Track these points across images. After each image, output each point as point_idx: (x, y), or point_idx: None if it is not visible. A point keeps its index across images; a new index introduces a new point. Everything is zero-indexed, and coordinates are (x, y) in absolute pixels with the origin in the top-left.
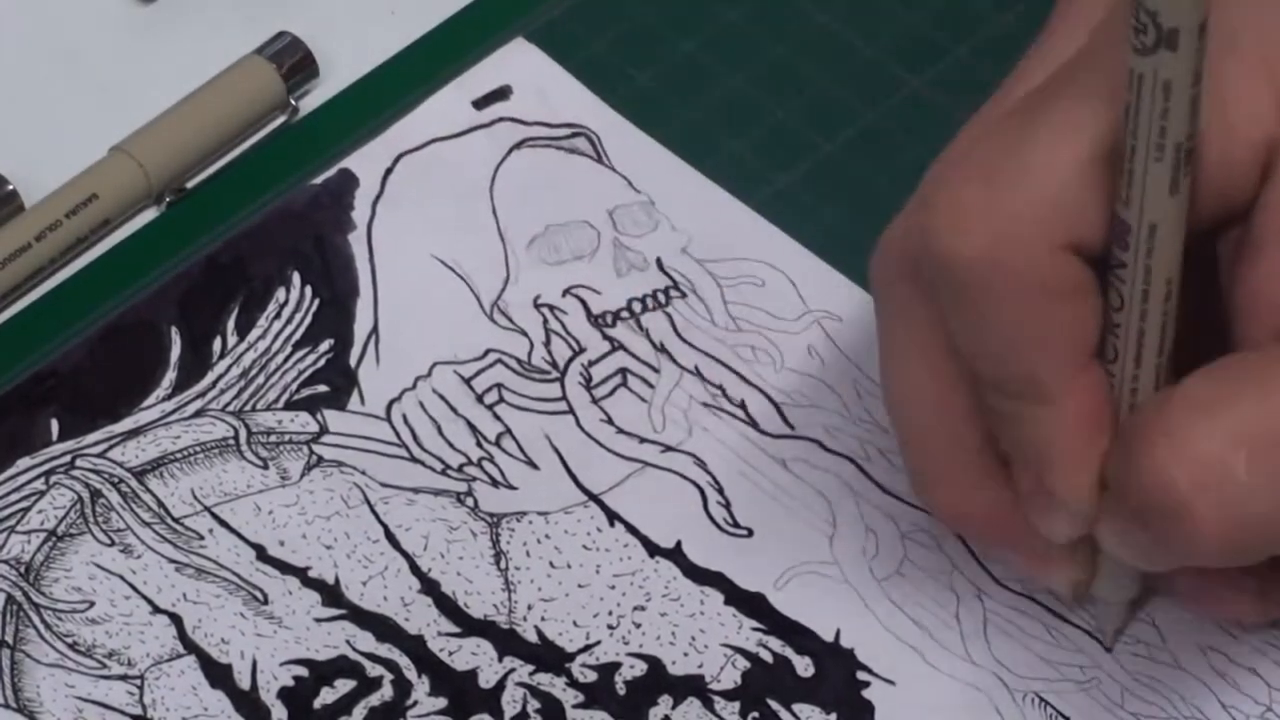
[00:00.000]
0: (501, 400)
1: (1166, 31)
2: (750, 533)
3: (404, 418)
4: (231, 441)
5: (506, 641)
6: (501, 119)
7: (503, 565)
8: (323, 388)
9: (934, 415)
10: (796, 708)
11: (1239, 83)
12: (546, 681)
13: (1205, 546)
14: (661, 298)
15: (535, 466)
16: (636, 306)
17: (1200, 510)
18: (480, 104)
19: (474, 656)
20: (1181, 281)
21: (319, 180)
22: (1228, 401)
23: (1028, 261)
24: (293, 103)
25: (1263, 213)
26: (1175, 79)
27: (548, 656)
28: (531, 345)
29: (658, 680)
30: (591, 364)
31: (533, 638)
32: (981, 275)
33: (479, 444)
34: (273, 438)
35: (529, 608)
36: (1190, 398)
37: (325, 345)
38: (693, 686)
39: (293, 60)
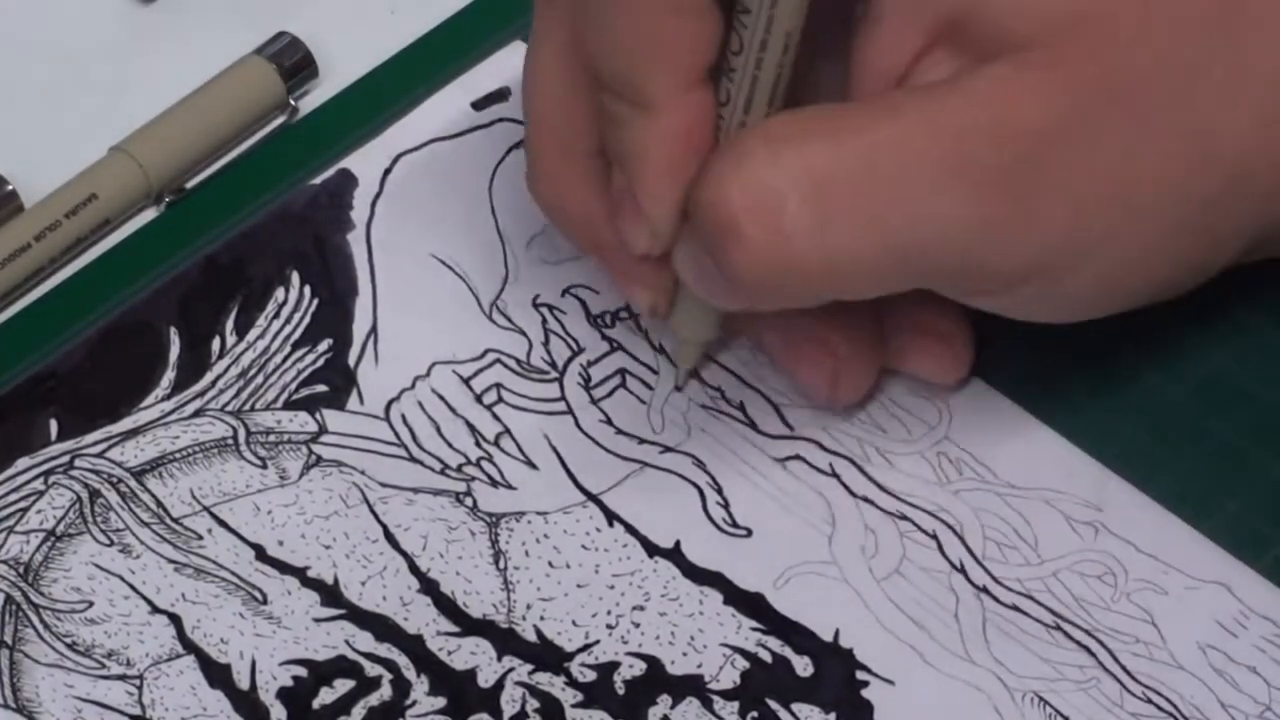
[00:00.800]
0: (500, 400)
1: None
2: (749, 533)
3: (403, 417)
4: (230, 441)
5: (505, 641)
6: (501, 119)
7: (502, 565)
8: (322, 387)
9: (554, 108)
10: (795, 707)
11: None
12: (545, 681)
13: (749, 270)
14: None
15: (534, 466)
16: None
17: (748, 232)
18: (479, 105)
19: (473, 656)
20: (809, 42)
21: (318, 180)
22: (798, 140)
23: None
24: (292, 103)
25: None
26: None
27: (547, 656)
28: (530, 345)
29: (657, 680)
30: (590, 364)
31: (532, 637)
32: None
33: (478, 444)
34: (272, 437)
35: (528, 607)
36: (766, 132)
37: (324, 345)
38: (692, 686)
39: (292, 60)
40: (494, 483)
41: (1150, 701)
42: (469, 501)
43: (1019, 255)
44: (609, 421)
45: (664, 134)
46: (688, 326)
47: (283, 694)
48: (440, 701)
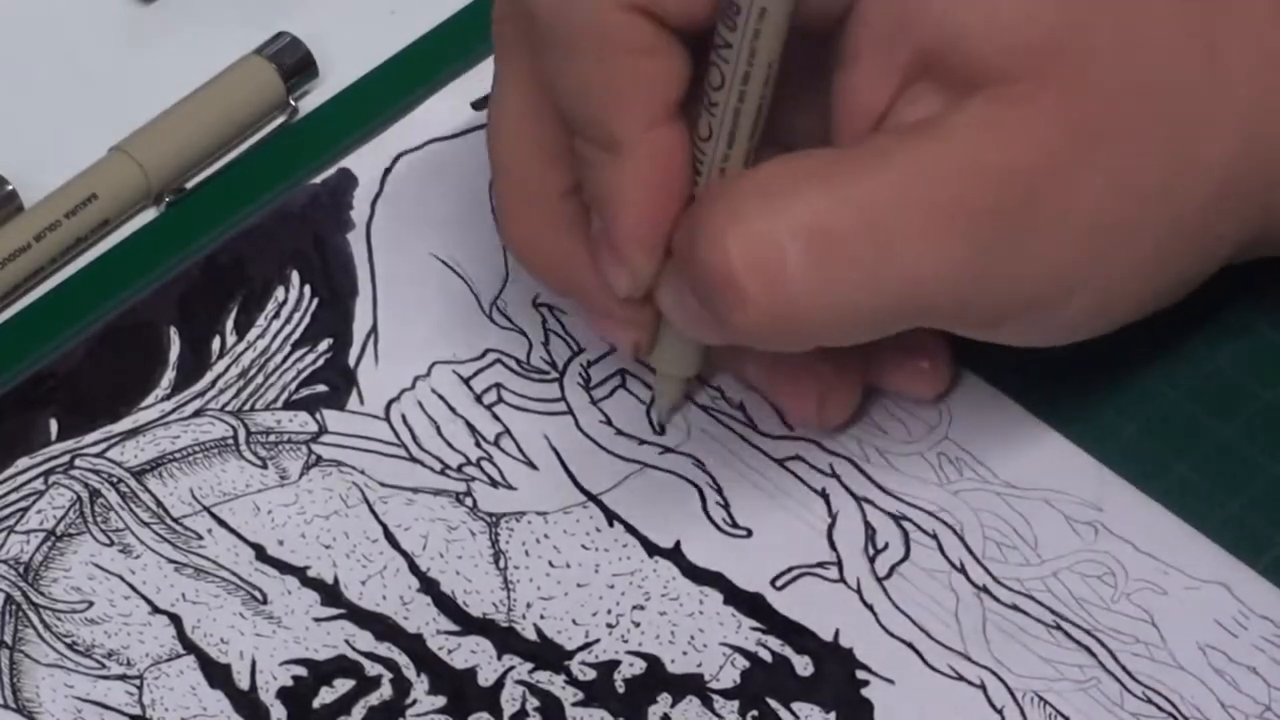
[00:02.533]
0: (500, 400)
1: None
2: (749, 533)
3: (403, 417)
4: (230, 441)
5: (505, 640)
6: None
7: (502, 564)
8: (322, 387)
9: (523, 155)
10: (795, 707)
11: None
12: (546, 679)
13: (751, 326)
14: None
15: (534, 466)
16: None
17: (750, 289)
18: (479, 104)
19: (473, 655)
20: (786, 79)
21: (318, 180)
22: (792, 191)
23: (591, 14)
24: (292, 103)
25: (856, 23)
26: None
27: (547, 655)
28: (530, 345)
29: (657, 678)
30: (590, 364)
31: (532, 636)
32: (554, 22)
33: (478, 444)
34: (272, 437)
35: (528, 606)
36: (759, 180)
37: (324, 345)
38: (692, 685)
39: (292, 60)
40: (494, 483)
41: (1150, 701)
42: (469, 501)
43: (1013, 291)
44: (609, 422)
45: (637, 176)
46: (671, 362)
47: (283, 694)
48: (440, 700)
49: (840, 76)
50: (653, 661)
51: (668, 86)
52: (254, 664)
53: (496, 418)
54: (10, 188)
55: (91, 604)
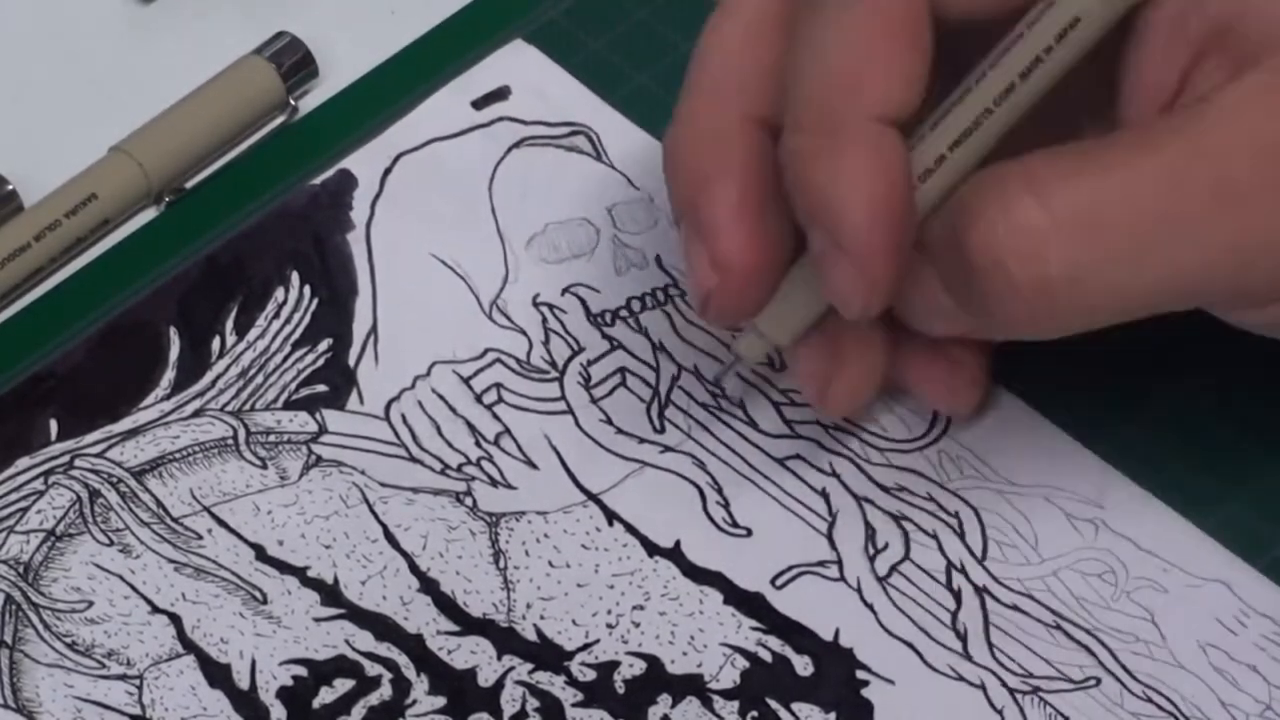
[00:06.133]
0: (500, 400)
1: None
2: (749, 532)
3: (403, 417)
4: (230, 441)
5: (505, 640)
6: (501, 118)
7: (501, 564)
8: (321, 387)
9: (724, 68)
10: (795, 707)
11: None
12: (545, 680)
13: (1019, 315)
14: (661, 296)
15: (534, 466)
16: (636, 305)
17: (1016, 276)
18: (479, 104)
19: (473, 655)
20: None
21: (318, 180)
22: (1061, 179)
23: None
24: (292, 103)
25: (1153, 4)
26: None
27: (547, 655)
28: (530, 344)
29: (657, 679)
30: (590, 363)
31: (532, 636)
32: None
33: (478, 443)
34: (271, 437)
35: (528, 606)
36: (1028, 169)
37: (324, 345)
38: (692, 685)
39: (292, 60)
40: (494, 482)
41: (1150, 701)
42: (469, 501)
43: None
44: (609, 421)
45: (874, 167)
46: (775, 327)
47: (283, 693)
48: (440, 701)
49: (1130, 55)
50: (652, 662)
51: (923, 67)
52: (254, 664)
53: (496, 417)
54: (10, 188)
55: (91, 604)
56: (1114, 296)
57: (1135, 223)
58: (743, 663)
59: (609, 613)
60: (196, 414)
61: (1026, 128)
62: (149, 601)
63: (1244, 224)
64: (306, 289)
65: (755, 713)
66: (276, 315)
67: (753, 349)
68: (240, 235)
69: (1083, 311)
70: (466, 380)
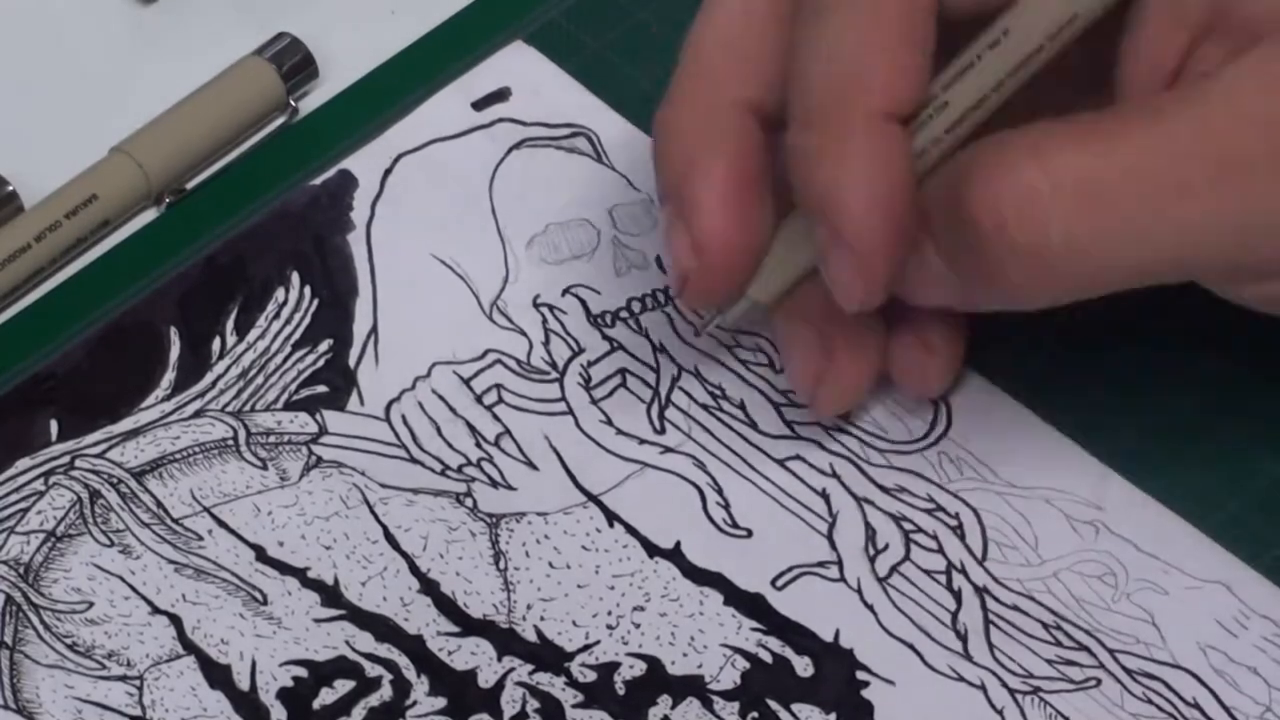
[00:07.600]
0: (501, 401)
1: None
2: (749, 533)
3: (403, 418)
4: (231, 442)
5: (506, 641)
6: (501, 119)
7: (502, 565)
8: (322, 388)
9: (718, 48)
10: (796, 708)
11: None
12: (546, 681)
13: (1019, 279)
14: (661, 297)
15: (534, 467)
16: (636, 306)
17: (1017, 238)
18: (479, 105)
19: (473, 656)
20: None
21: (318, 181)
22: (1063, 146)
23: None
24: (292, 103)
25: None
26: None
27: (547, 656)
28: (531, 345)
29: (657, 680)
30: (591, 364)
31: (532, 637)
32: None
33: (478, 444)
34: (272, 438)
35: (528, 607)
36: (1030, 137)
37: (324, 345)
38: (692, 686)
39: (292, 61)
40: (494, 483)
41: (1150, 702)
42: (469, 502)
43: None
44: (609, 422)
45: (874, 165)
46: (763, 287)
47: (283, 694)
48: (440, 702)
49: (1128, 37)
50: (653, 663)
51: (926, 63)
52: (254, 665)
53: (497, 418)
54: (10, 188)
55: (92, 605)
56: (1113, 264)
57: (1138, 192)
58: (743, 663)
59: (609, 614)
60: (197, 415)
61: (1017, 102)
62: (149, 602)
63: (1247, 197)
64: (307, 289)
65: (755, 713)
66: (277, 316)
67: (735, 309)
68: (240, 236)
69: (1081, 278)
70: (467, 381)
